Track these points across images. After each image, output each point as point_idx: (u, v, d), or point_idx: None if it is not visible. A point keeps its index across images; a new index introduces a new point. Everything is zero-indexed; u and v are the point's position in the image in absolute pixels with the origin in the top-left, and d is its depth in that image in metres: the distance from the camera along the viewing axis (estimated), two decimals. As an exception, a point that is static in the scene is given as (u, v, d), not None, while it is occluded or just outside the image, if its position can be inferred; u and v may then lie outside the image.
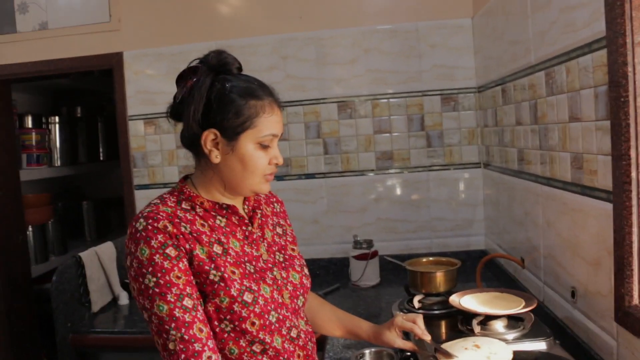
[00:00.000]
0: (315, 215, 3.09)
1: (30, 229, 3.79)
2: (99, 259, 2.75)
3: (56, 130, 4.11)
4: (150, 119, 3.17)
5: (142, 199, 3.22)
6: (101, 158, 4.69)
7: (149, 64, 3.15)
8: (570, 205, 1.74)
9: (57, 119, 4.13)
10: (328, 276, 3.01)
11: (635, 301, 1.38)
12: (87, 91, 4.75)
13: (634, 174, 1.34)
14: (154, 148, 3.20)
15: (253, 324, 1.25)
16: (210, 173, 1.33)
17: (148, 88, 3.16)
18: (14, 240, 3.56)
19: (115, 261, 2.87)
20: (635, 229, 1.36)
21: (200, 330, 1.18)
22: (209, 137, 1.28)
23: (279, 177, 3.06)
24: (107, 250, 2.83)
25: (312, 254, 3.02)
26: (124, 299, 2.82)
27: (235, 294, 1.23)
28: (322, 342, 2.12)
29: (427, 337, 1.51)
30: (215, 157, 1.29)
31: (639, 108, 1.33)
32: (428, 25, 2.97)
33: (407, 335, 1.60)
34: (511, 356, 1.47)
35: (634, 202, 1.35)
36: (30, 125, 3.90)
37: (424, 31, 2.97)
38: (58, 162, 4.13)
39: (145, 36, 3.15)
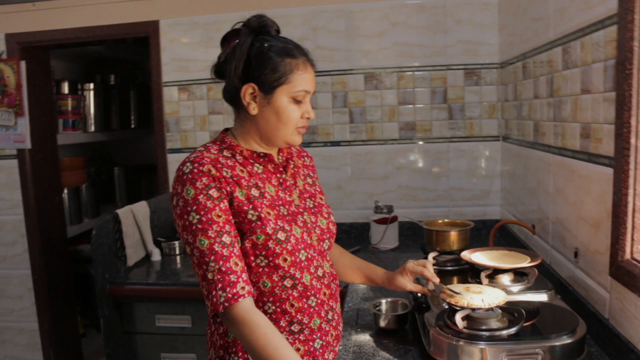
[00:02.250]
0: (339, 181, 3.22)
1: (65, 191, 3.95)
2: (134, 217, 2.88)
3: (90, 96, 4.25)
4: (184, 85, 3.31)
5: (174, 163, 3.36)
6: (132, 125, 4.81)
7: (184, 32, 3.28)
8: (577, 172, 1.86)
9: (91, 85, 4.27)
10: (349, 239, 3.16)
11: (627, 256, 1.51)
12: (120, 60, 4.86)
13: (633, 141, 1.46)
14: (187, 113, 3.33)
15: (285, 260, 1.40)
16: (248, 124, 1.47)
17: (182, 55, 3.29)
18: (51, 201, 3.72)
19: (149, 219, 3.00)
20: (631, 191, 1.48)
21: (236, 264, 1.33)
22: (247, 91, 1.42)
23: (305, 144, 3.18)
24: (141, 209, 2.96)
25: (335, 219, 3.11)
26: (156, 255, 2.95)
27: (270, 232, 1.38)
28: (342, 294, 2.27)
29: (436, 280, 1.67)
30: (253, 109, 1.43)
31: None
32: (455, 1, 3.05)
33: (418, 280, 1.74)
34: (503, 299, 1.60)
35: (632, 166, 1.47)
36: (66, 91, 4.03)
37: (451, 7, 3.05)
38: (92, 128, 4.27)
39: (181, 5, 3.27)
